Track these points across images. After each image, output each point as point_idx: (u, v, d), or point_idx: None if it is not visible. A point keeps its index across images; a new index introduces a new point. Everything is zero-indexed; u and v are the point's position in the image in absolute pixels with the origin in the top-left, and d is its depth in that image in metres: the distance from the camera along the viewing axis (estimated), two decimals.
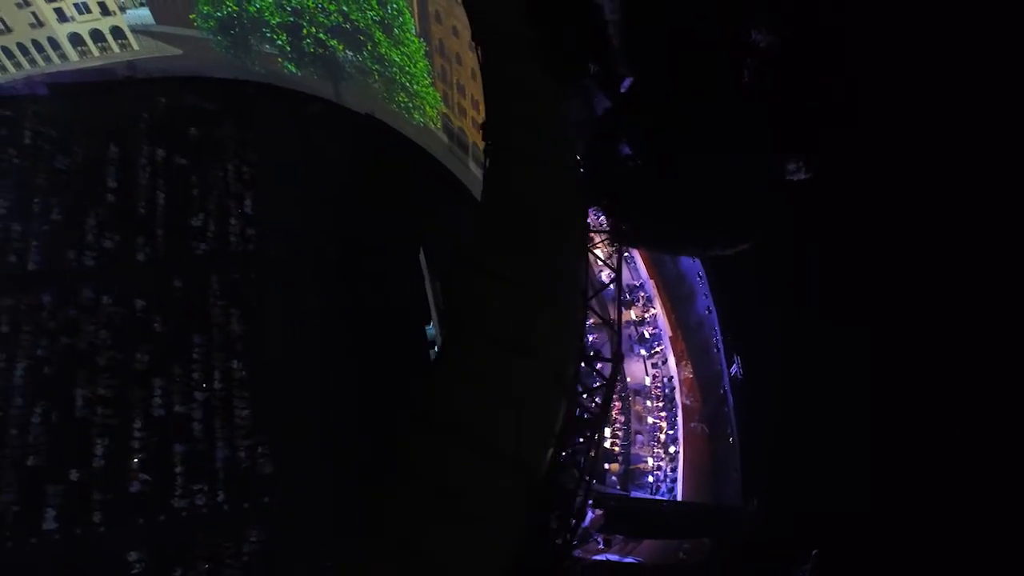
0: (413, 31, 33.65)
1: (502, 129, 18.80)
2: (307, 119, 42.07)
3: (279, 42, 39.19)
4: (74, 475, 30.46)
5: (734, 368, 28.72)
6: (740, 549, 26.09)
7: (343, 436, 31.99)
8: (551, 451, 17.34)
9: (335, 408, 32.74)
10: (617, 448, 31.23)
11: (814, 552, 20.75)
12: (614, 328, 20.44)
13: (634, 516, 26.21)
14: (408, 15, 33.10)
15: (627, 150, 28.08)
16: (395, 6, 33.32)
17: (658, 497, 29.56)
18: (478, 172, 37.18)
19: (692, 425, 32.94)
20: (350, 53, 37.84)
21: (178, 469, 31.02)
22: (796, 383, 27.29)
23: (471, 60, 31.08)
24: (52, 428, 31.46)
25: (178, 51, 41.47)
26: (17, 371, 32.54)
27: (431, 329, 33.96)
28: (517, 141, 18.81)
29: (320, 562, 29.73)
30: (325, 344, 34.36)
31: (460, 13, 29.79)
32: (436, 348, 33.48)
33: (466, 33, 30.35)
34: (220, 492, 30.72)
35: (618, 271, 21.56)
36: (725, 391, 29.08)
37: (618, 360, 19.03)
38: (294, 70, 40.72)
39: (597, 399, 20.82)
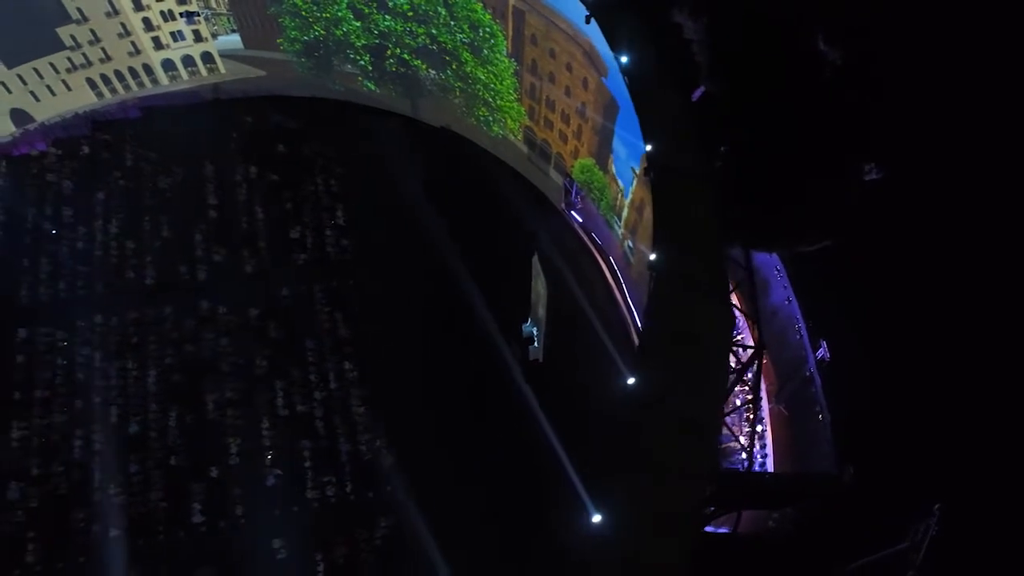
0: (504, 52, 36.13)
1: (662, 154, 21.70)
2: (384, 133, 44.69)
3: (362, 63, 41.58)
4: (214, 472, 33.07)
5: (820, 352, 31.55)
6: (837, 514, 28.94)
7: (452, 424, 34.75)
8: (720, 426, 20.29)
9: (442, 399, 35.41)
10: None
11: (936, 506, 23.52)
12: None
13: (744, 489, 28.99)
14: (501, 37, 35.52)
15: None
16: (487, 29, 35.79)
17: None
18: (558, 179, 39.93)
19: (770, 407, 35.93)
20: (433, 72, 40.30)
21: (307, 464, 33.67)
22: (880, 361, 30.24)
23: (566, 79, 33.73)
24: (188, 430, 34.04)
25: (261, 72, 43.83)
26: (150, 379, 35.10)
27: (528, 327, 36.74)
28: (671, 161, 21.67)
29: (444, 543, 32.51)
30: (426, 341, 36.86)
31: (559, 37, 32.49)
32: (535, 344, 36.27)
33: (563, 55, 33.10)
34: (348, 483, 33.35)
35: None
36: (812, 373, 31.88)
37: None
38: (373, 88, 43.18)
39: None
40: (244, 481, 33.01)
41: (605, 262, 39.34)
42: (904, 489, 27.32)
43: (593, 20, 26.64)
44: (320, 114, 44.82)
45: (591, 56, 30.93)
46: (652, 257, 21.40)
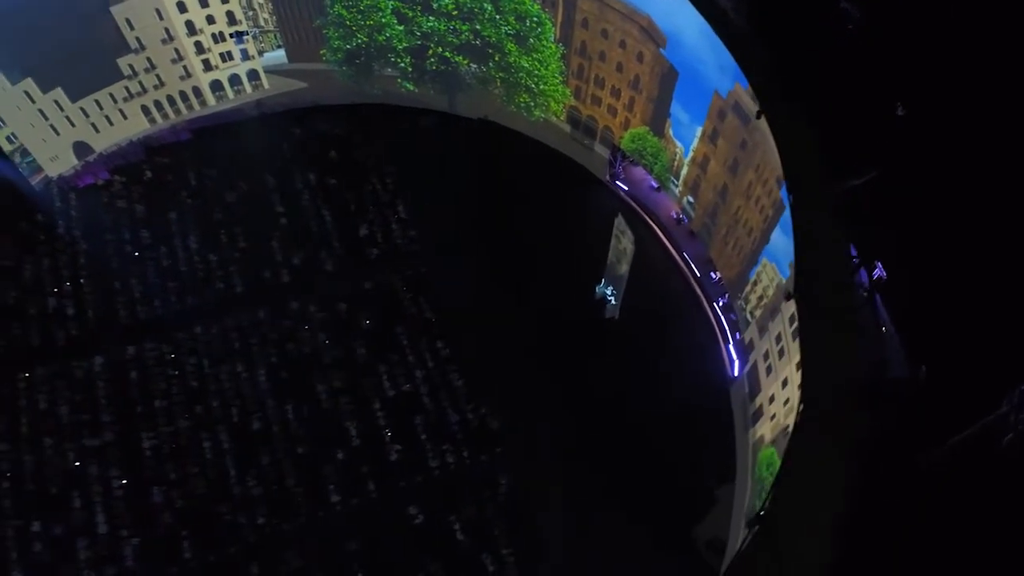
0: (551, 39, 39.00)
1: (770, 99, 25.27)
2: (424, 130, 47.24)
3: (402, 65, 43.85)
4: (340, 455, 35.26)
5: (876, 272, 35.34)
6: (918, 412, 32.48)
7: (543, 382, 37.45)
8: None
9: (529, 361, 38.13)
10: None
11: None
12: None
13: None
14: (549, 25, 38.32)
15: None
16: (535, 19, 38.59)
17: None
18: (603, 152, 43.09)
19: None
20: (474, 66, 42.94)
21: (423, 436, 36.08)
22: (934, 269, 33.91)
23: (618, 55, 36.87)
24: (307, 420, 36.09)
25: (303, 84, 45.85)
26: (260, 378, 36.99)
27: (601, 288, 39.86)
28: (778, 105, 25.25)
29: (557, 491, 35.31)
30: (506, 311, 39.45)
31: (613, 16, 35.65)
32: (612, 302, 39.40)
33: (617, 34, 36.29)
34: (464, 450, 35.87)
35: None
36: (870, 292, 35.65)
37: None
38: (412, 88, 45.58)
39: None
40: (369, 459, 35.26)
41: (656, 224, 42.54)
42: (982, 377, 30.82)
43: None
44: (362, 118, 46.97)
45: (649, 30, 34.20)
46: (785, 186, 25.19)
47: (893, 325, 35.16)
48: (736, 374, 37.30)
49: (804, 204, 23.87)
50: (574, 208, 43.47)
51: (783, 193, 29.38)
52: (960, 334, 32.87)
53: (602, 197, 44.56)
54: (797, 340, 29.38)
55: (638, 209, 43.58)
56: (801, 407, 22.74)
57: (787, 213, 29.53)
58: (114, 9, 38.30)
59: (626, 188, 43.85)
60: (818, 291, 23.76)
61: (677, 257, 41.81)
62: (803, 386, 23.16)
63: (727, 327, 38.69)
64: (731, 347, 38.23)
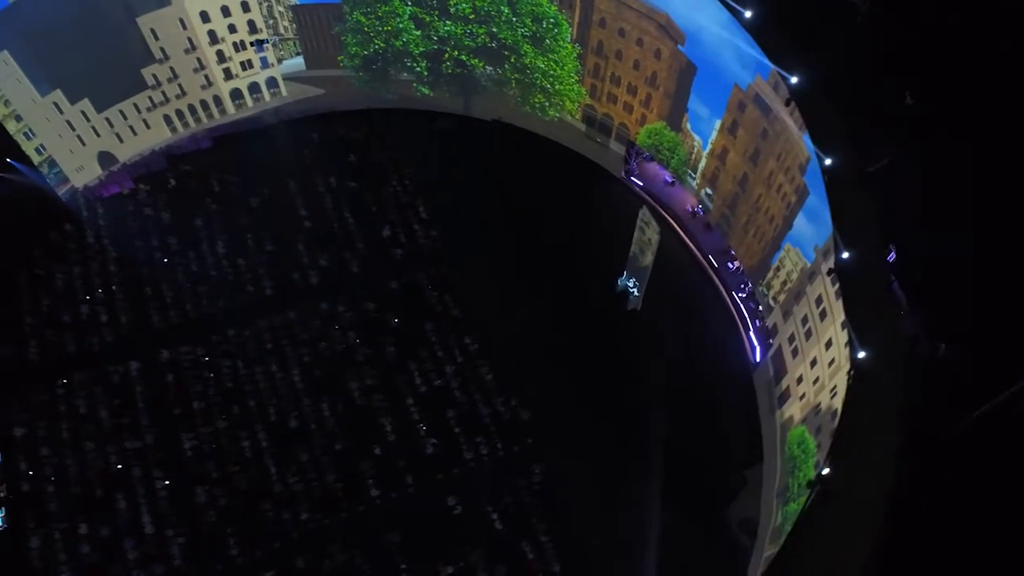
0: (568, 39, 40.06)
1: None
2: (439, 132, 48.12)
3: (418, 69, 44.76)
4: (377, 451, 35.95)
5: (890, 256, 36.52)
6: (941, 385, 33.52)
7: (570, 373, 38.28)
8: None
9: (555, 353, 38.96)
10: None
11: None
12: None
13: None
14: (565, 26, 39.36)
15: None
16: (551, 20, 39.60)
17: None
18: (619, 149, 44.15)
19: None
20: (489, 68, 43.91)
21: (456, 430, 36.83)
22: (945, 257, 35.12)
23: (635, 53, 37.94)
24: (342, 418, 36.80)
25: (320, 91, 46.66)
26: (295, 378, 37.65)
27: (623, 280, 40.82)
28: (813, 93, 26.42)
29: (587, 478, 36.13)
30: (530, 305, 40.28)
31: (631, 15, 36.74)
32: (634, 293, 40.36)
33: (634, 32, 37.38)
34: (497, 442, 36.64)
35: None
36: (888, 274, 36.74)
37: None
38: (427, 92, 46.48)
39: None
40: (406, 454, 35.97)
41: (672, 217, 43.58)
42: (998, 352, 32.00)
43: None
44: (378, 123, 47.78)
45: (667, 28, 35.29)
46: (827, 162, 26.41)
47: (911, 304, 36.62)
48: (758, 359, 38.35)
49: (838, 187, 24.90)
50: (590, 204, 44.41)
51: (807, 179, 30.58)
52: (979, 310, 34.28)
53: (617, 193, 45.57)
54: (825, 320, 30.68)
55: (654, 204, 44.65)
56: (852, 372, 23.78)
57: (811, 198, 30.83)
58: (140, 20, 39.00)
59: (641, 183, 44.92)
60: (854, 270, 24.78)
61: (694, 249, 42.90)
62: (851, 357, 24.18)
63: (747, 315, 39.78)
64: (752, 334, 39.31)
